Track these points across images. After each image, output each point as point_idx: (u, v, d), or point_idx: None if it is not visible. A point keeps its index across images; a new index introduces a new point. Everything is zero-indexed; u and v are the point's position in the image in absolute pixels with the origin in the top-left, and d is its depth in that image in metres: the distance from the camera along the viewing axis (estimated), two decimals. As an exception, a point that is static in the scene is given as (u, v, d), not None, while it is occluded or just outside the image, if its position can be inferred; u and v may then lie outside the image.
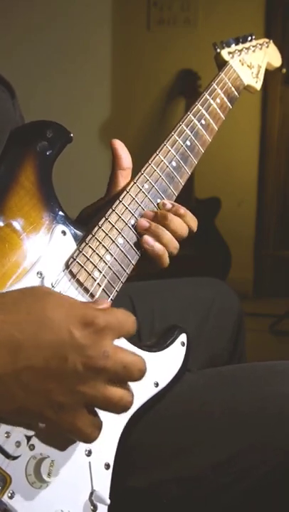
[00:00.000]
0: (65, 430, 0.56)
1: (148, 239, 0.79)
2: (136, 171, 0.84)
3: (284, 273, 3.29)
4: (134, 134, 3.20)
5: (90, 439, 0.57)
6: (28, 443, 0.63)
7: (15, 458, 0.62)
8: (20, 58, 3.04)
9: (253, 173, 3.32)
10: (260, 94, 3.20)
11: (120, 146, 0.84)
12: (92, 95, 3.26)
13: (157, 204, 0.82)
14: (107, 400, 0.56)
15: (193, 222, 0.84)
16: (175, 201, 0.85)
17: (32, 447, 0.64)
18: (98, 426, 0.57)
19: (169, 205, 0.82)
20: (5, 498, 0.61)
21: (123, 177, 0.84)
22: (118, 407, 0.57)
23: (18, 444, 0.62)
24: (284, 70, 3.08)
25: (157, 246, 0.80)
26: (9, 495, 0.61)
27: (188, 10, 3.21)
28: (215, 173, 3.21)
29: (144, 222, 0.80)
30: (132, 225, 0.79)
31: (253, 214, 3.36)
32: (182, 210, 0.82)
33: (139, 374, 0.58)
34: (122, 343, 0.69)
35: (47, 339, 0.55)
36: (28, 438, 0.63)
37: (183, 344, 0.81)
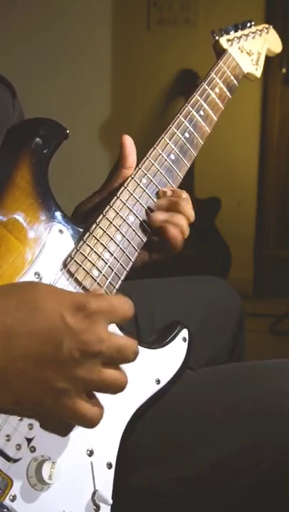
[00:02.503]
0: (67, 417, 0.56)
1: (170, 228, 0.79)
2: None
3: (284, 273, 3.29)
4: (134, 134, 3.17)
5: (92, 423, 0.57)
6: (28, 445, 0.63)
7: (16, 461, 0.61)
8: (20, 58, 3.04)
9: (253, 173, 3.32)
10: (260, 94, 3.20)
11: (130, 146, 0.83)
12: (92, 95, 3.25)
13: (157, 193, 0.82)
14: (104, 382, 0.56)
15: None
16: None
17: (33, 449, 0.63)
18: (99, 410, 0.57)
19: (169, 193, 0.82)
20: (7, 501, 0.61)
21: (123, 175, 0.83)
22: (115, 388, 0.57)
23: (18, 446, 0.62)
24: (284, 70, 3.08)
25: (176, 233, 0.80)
26: (11, 498, 0.61)
27: (188, 10, 3.20)
28: (215, 173, 3.21)
29: (167, 190, 0.81)
30: (131, 222, 0.78)
31: (253, 214, 3.35)
32: (184, 193, 0.83)
33: (133, 356, 0.58)
34: None
35: (39, 325, 0.54)
36: (29, 440, 0.63)
37: (184, 340, 0.80)
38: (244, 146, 3.28)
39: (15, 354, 0.54)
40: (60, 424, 0.58)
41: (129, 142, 0.83)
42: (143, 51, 3.25)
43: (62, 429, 0.59)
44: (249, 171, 3.32)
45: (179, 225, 0.80)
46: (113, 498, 0.68)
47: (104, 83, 3.27)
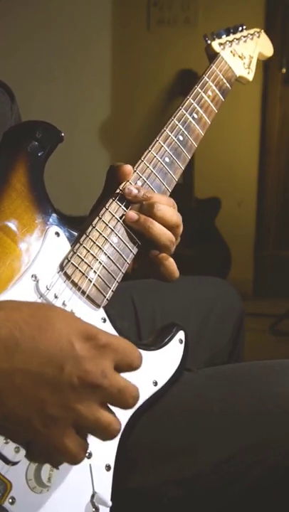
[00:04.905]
0: (52, 446, 0.55)
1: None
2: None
3: (284, 273, 3.28)
4: (134, 134, 3.20)
5: (75, 460, 0.55)
6: None
7: (15, 463, 0.61)
8: (20, 59, 3.04)
9: (253, 173, 3.32)
10: (260, 94, 3.20)
11: (127, 175, 0.80)
12: (92, 95, 3.25)
13: (123, 193, 0.79)
14: (97, 423, 0.55)
15: (164, 199, 0.80)
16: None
17: None
18: (85, 450, 0.56)
19: (134, 191, 0.78)
20: (6, 504, 0.61)
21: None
22: (106, 433, 0.56)
23: (17, 449, 0.61)
24: (284, 70, 3.08)
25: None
26: (10, 501, 0.61)
27: (188, 10, 3.20)
28: (215, 173, 3.21)
29: (133, 214, 0.78)
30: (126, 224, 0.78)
31: (253, 214, 3.35)
32: (150, 193, 0.79)
33: (132, 401, 0.57)
34: None
35: (46, 344, 0.54)
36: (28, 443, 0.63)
37: (181, 342, 0.80)
38: (244, 146, 3.28)
39: (15, 367, 0.53)
40: (48, 454, 0.56)
41: (128, 172, 0.80)
42: (143, 51, 3.25)
43: (50, 460, 0.58)
44: (249, 171, 3.32)
45: (150, 229, 0.77)
46: (112, 500, 0.68)
47: (104, 83, 3.27)
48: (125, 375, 0.57)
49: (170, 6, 3.21)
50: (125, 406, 0.57)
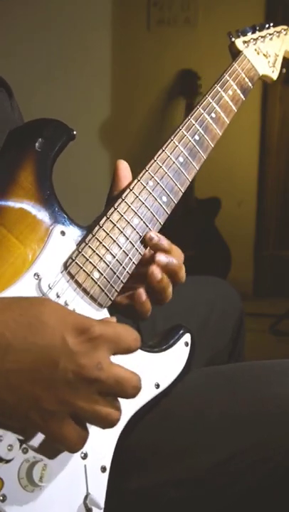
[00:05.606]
0: (50, 438, 0.56)
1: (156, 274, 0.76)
2: (137, 171, 0.81)
3: (284, 273, 3.29)
4: (134, 134, 3.19)
5: (73, 449, 0.57)
6: (20, 446, 0.62)
7: (7, 461, 0.61)
8: (20, 58, 3.04)
9: (253, 173, 3.32)
10: (260, 94, 3.20)
11: (123, 168, 0.81)
12: (92, 95, 3.25)
13: (144, 237, 0.78)
14: (95, 414, 0.56)
15: (180, 255, 0.80)
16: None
17: (25, 451, 0.63)
18: (84, 438, 0.57)
19: (156, 239, 0.77)
20: None
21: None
22: (104, 423, 0.57)
23: (10, 447, 0.61)
24: (284, 70, 3.08)
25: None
26: (1, 498, 0.61)
27: (188, 10, 3.20)
28: (215, 173, 3.21)
29: (158, 274, 0.76)
30: (135, 225, 0.77)
31: (253, 214, 3.35)
32: (166, 244, 0.78)
33: (133, 391, 0.57)
34: None
35: (38, 342, 0.54)
36: (21, 441, 0.63)
37: (187, 344, 0.79)
38: (244, 146, 3.28)
39: (8, 368, 0.54)
40: (48, 445, 0.58)
41: (122, 165, 0.81)
42: (143, 51, 3.25)
43: (49, 451, 0.59)
44: (249, 171, 3.32)
45: (165, 291, 0.78)
46: (106, 501, 0.67)
47: (104, 83, 3.27)
48: None
49: (170, 6, 3.20)
50: (125, 396, 0.57)
